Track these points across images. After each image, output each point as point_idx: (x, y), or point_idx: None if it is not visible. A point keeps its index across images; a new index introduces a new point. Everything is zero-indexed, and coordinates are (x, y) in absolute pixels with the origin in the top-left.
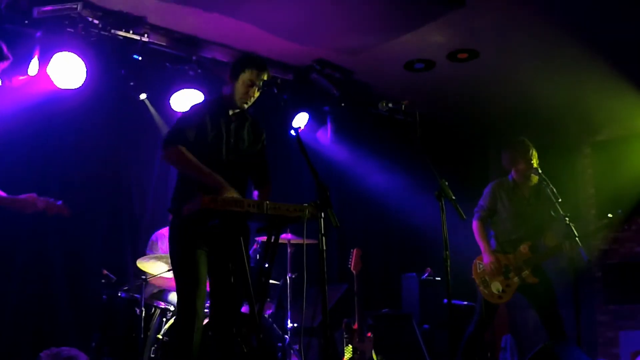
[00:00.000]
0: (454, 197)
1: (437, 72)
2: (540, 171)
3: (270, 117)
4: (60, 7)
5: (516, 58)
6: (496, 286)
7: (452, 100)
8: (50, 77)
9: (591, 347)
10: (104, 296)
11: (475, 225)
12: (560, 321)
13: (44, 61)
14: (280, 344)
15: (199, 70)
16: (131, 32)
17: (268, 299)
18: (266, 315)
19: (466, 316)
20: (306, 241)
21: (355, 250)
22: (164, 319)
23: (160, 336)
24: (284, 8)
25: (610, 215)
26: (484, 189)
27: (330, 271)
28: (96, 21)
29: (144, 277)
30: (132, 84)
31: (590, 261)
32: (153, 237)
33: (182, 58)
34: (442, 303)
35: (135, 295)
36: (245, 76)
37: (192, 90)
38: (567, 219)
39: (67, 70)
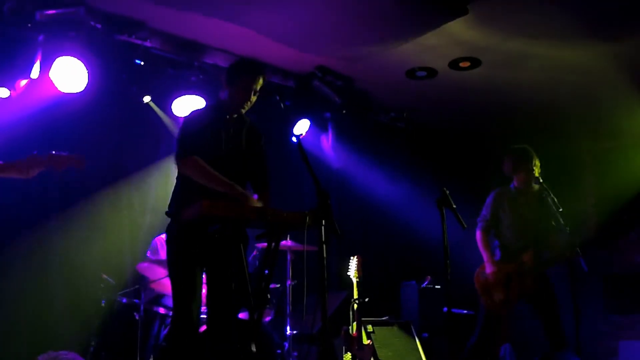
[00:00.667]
0: (454, 206)
1: (439, 81)
2: (541, 180)
3: (271, 124)
4: (62, 11)
5: (518, 67)
6: (499, 296)
7: (454, 108)
8: (52, 81)
9: (591, 357)
10: (102, 301)
11: (478, 235)
12: (561, 331)
13: (46, 65)
14: (279, 351)
15: (201, 76)
16: (133, 37)
17: (268, 306)
18: (265, 322)
19: (466, 324)
20: (306, 248)
21: (355, 257)
22: (163, 324)
23: (158, 341)
24: (286, 15)
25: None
26: (485, 197)
27: (330, 278)
28: (98, 25)
29: (143, 281)
30: (134, 89)
31: (590, 271)
32: (158, 242)
33: (184, 63)
34: (442, 311)
35: (134, 300)
36: (241, 81)
37: (194, 96)
38: (567, 228)
39: (69, 75)
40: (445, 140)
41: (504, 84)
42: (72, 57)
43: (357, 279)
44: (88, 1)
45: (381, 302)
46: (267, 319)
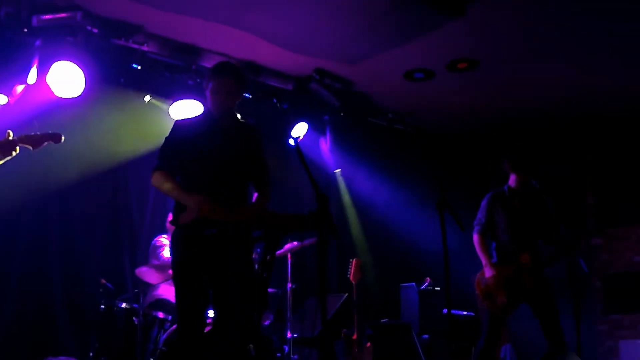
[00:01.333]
0: (453, 208)
1: (437, 82)
2: (537, 182)
3: (269, 127)
4: (59, 15)
5: (516, 67)
6: (502, 299)
7: (452, 109)
8: (50, 86)
9: (591, 357)
10: (101, 306)
11: (475, 239)
12: (560, 331)
13: (43, 70)
14: (279, 355)
15: (198, 80)
16: (130, 41)
17: (267, 309)
18: (264, 325)
19: (466, 326)
20: (305, 243)
21: (354, 260)
22: (162, 329)
23: (157, 346)
24: (284, 17)
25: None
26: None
27: (330, 281)
28: (95, 30)
29: (142, 286)
30: (131, 93)
31: (590, 271)
32: (157, 242)
33: (181, 67)
34: (442, 313)
35: (134, 304)
36: (211, 85)
37: (191, 100)
38: (564, 229)
39: (66, 79)
40: (444, 141)
41: (502, 85)
42: (69, 62)
43: (357, 282)
44: (85, 6)
45: (381, 304)
46: (267, 322)
